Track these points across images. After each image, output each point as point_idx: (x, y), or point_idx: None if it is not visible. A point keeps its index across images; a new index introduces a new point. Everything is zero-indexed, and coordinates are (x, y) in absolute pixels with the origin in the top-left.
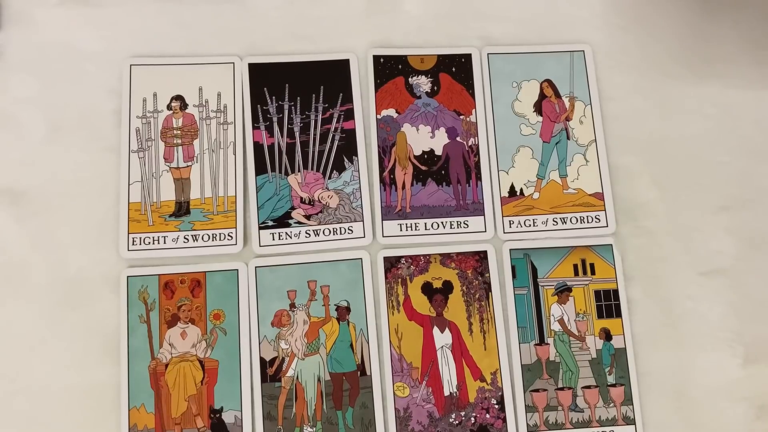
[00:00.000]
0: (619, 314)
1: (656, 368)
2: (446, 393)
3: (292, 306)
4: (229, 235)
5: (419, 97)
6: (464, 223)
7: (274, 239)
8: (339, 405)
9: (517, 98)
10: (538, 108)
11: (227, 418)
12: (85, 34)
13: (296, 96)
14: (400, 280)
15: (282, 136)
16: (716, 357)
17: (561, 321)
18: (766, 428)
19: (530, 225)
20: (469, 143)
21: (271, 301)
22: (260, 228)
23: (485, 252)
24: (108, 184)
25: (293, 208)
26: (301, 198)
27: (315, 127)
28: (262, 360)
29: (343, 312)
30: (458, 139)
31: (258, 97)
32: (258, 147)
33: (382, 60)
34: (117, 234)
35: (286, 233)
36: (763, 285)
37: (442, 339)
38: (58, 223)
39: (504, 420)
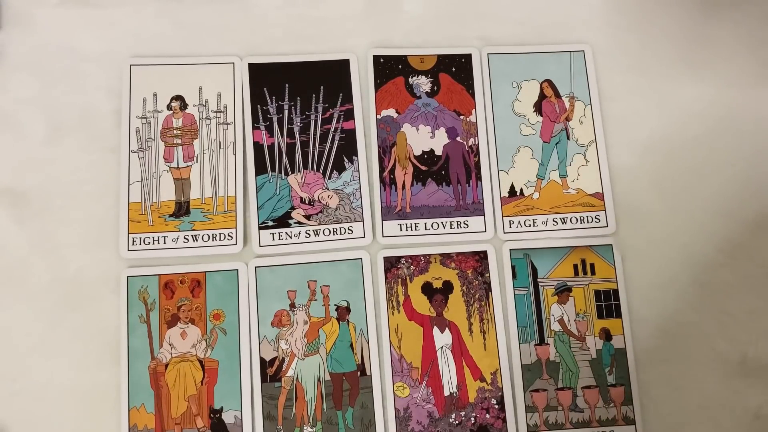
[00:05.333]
0: (619, 314)
1: (656, 368)
2: (446, 393)
3: (292, 306)
4: (229, 235)
5: (419, 97)
6: (464, 223)
7: (274, 239)
8: (339, 405)
9: (517, 98)
10: (538, 108)
11: (227, 418)
12: (85, 34)
13: (296, 96)
14: (400, 280)
15: (282, 136)
16: (715, 359)
17: (561, 321)
18: (764, 429)
19: (530, 225)
20: (469, 143)
21: (271, 301)
22: (260, 228)
23: (485, 252)
24: (108, 184)
25: (293, 208)
26: (301, 198)
27: (315, 127)
28: (262, 360)
29: (343, 312)
30: (458, 139)
31: (258, 97)
32: (258, 147)
33: (382, 60)
34: (117, 234)
35: (286, 233)
36: (763, 285)
37: (442, 339)
38: (58, 223)
39: (504, 420)
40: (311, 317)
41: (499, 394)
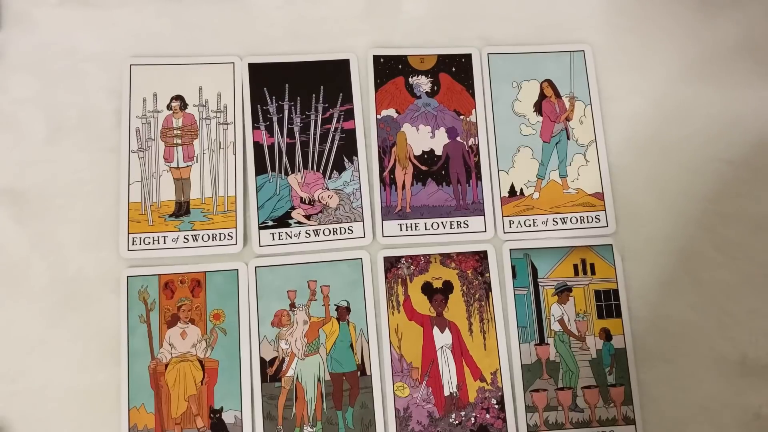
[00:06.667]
0: (619, 314)
1: (656, 368)
2: (446, 393)
3: (292, 306)
4: (229, 235)
5: (419, 97)
6: (464, 223)
7: (274, 239)
8: (339, 405)
9: (517, 98)
10: (538, 108)
11: (227, 418)
12: (85, 34)
13: (296, 96)
14: (400, 280)
15: (282, 136)
16: (715, 359)
17: (561, 321)
18: (764, 429)
19: (530, 225)
20: (469, 143)
21: (271, 301)
22: (260, 228)
23: (485, 252)
24: (108, 184)
25: (293, 208)
26: (301, 198)
27: (315, 127)
28: (262, 360)
29: (343, 312)
30: (458, 139)
31: (258, 97)
32: (258, 147)
33: (382, 60)
34: (117, 234)
35: (286, 233)
36: (763, 285)
37: (442, 339)
38: (58, 223)
39: (504, 420)
40: (311, 317)
41: (499, 394)
